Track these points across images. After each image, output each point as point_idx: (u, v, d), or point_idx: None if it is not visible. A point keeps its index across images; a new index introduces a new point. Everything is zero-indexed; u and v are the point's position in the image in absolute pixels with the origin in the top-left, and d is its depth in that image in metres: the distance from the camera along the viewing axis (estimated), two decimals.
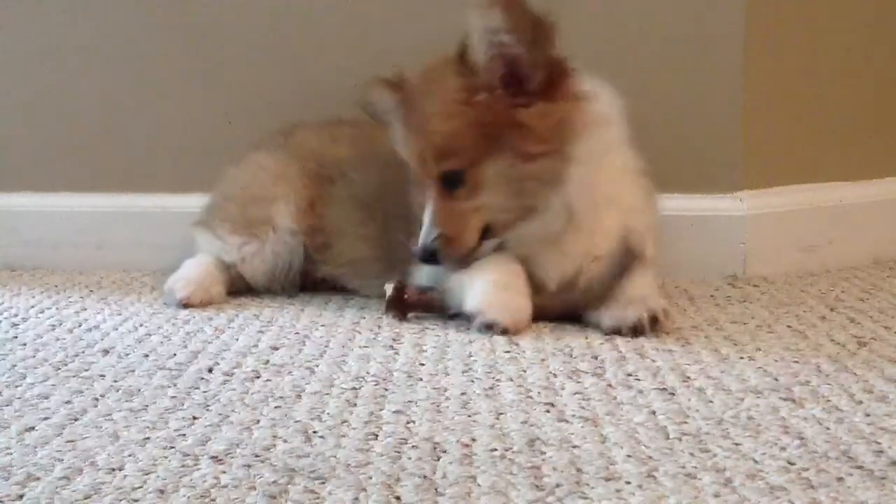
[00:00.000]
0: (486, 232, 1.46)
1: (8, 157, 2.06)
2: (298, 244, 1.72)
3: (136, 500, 0.87)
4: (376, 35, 1.91)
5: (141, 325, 1.52)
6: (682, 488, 0.88)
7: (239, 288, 1.73)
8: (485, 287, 1.43)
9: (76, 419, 1.09)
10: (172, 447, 1.00)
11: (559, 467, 0.93)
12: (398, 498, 0.87)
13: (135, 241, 1.99)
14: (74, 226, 2.02)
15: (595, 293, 1.45)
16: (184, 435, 1.03)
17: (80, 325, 1.53)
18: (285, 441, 1.01)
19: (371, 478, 0.91)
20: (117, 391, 1.19)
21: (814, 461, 0.94)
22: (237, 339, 1.42)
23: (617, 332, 1.40)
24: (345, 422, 1.06)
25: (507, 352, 1.33)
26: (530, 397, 1.14)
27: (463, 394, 1.15)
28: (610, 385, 1.18)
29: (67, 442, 1.02)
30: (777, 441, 0.99)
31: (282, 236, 1.72)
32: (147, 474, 0.93)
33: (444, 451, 0.97)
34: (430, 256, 1.46)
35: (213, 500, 0.87)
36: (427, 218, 1.46)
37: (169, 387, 1.20)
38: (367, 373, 1.24)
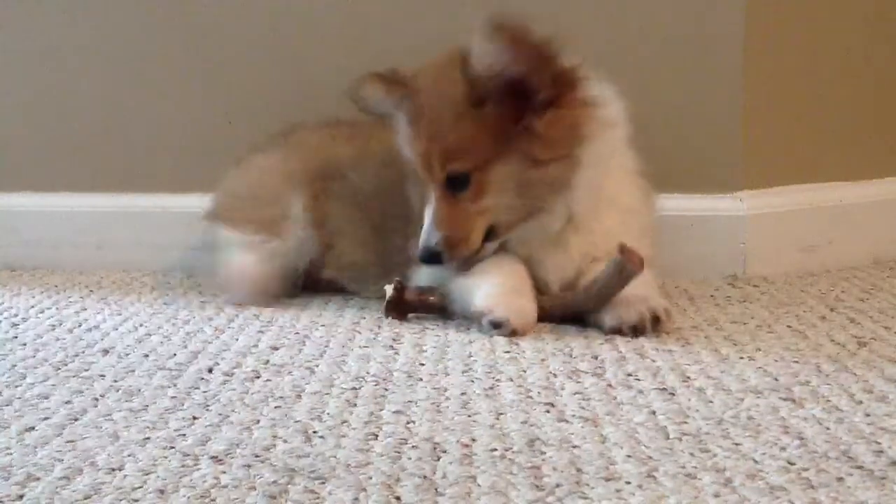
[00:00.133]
0: (489, 233, 1.46)
1: (8, 157, 2.06)
2: (311, 241, 1.72)
3: (136, 500, 0.88)
4: (376, 35, 1.91)
5: (141, 325, 1.52)
6: (682, 488, 0.88)
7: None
8: (492, 288, 1.43)
9: (76, 419, 1.09)
10: (172, 447, 1.00)
11: (559, 467, 0.93)
12: (398, 498, 0.87)
13: (135, 241, 1.99)
14: (74, 226, 2.02)
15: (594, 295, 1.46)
16: (184, 435, 1.03)
17: (80, 325, 1.53)
18: (285, 441, 1.01)
19: (371, 478, 0.91)
20: (117, 391, 1.19)
21: (814, 461, 0.94)
22: (237, 339, 1.42)
23: (618, 331, 1.40)
24: (345, 422, 1.06)
25: (507, 352, 1.33)
26: (530, 397, 1.14)
27: (463, 394, 1.15)
28: (610, 385, 1.18)
29: (67, 442, 1.02)
30: (777, 441, 0.99)
31: (297, 232, 1.71)
32: (147, 474, 0.93)
33: (444, 451, 0.97)
34: (432, 258, 1.46)
35: (213, 500, 0.88)
36: (428, 219, 1.46)
37: (169, 387, 1.20)
38: (367, 373, 1.24)
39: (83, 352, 1.37)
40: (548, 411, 1.09)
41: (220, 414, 1.10)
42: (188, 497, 0.88)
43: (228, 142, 1.92)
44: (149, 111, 2.00)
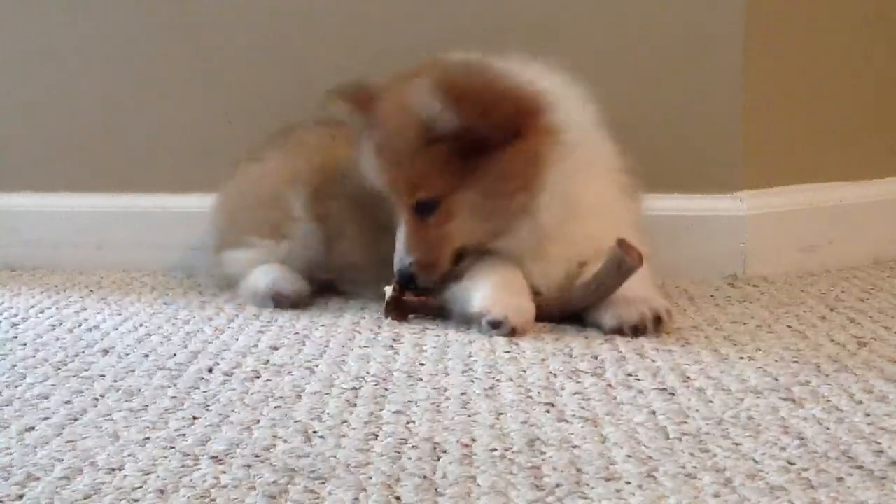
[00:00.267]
0: (460, 255, 1.47)
1: (8, 157, 2.06)
2: (317, 235, 1.71)
3: (136, 500, 0.87)
4: (376, 35, 1.91)
5: (141, 325, 1.52)
6: (682, 488, 0.88)
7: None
8: (490, 288, 1.44)
9: (76, 419, 1.09)
10: (172, 447, 1.00)
11: (559, 467, 0.93)
12: (398, 498, 0.87)
13: (135, 241, 1.99)
14: (74, 226, 2.02)
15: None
16: (184, 435, 1.03)
17: (80, 325, 1.53)
18: (285, 441, 1.01)
19: (371, 478, 0.91)
20: (117, 391, 1.19)
21: (814, 461, 0.94)
22: (237, 339, 1.42)
23: (618, 331, 1.40)
24: (345, 422, 1.06)
25: (507, 352, 1.33)
26: (530, 397, 1.14)
27: (463, 394, 1.15)
28: (610, 385, 1.18)
29: (67, 442, 1.02)
30: (777, 441, 0.99)
31: (303, 227, 1.71)
32: (147, 474, 0.93)
33: (444, 451, 0.97)
34: (406, 280, 1.48)
35: (213, 500, 0.87)
36: (400, 243, 1.48)
37: (169, 387, 1.20)
38: (367, 373, 1.24)
39: (83, 352, 1.37)
40: (548, 411, 1.09)
41: (220, 414, 1.10)
42: (188, 497, 0.88)
43: (228, 142, 1.92)
44: (149, 111, 2.00)
